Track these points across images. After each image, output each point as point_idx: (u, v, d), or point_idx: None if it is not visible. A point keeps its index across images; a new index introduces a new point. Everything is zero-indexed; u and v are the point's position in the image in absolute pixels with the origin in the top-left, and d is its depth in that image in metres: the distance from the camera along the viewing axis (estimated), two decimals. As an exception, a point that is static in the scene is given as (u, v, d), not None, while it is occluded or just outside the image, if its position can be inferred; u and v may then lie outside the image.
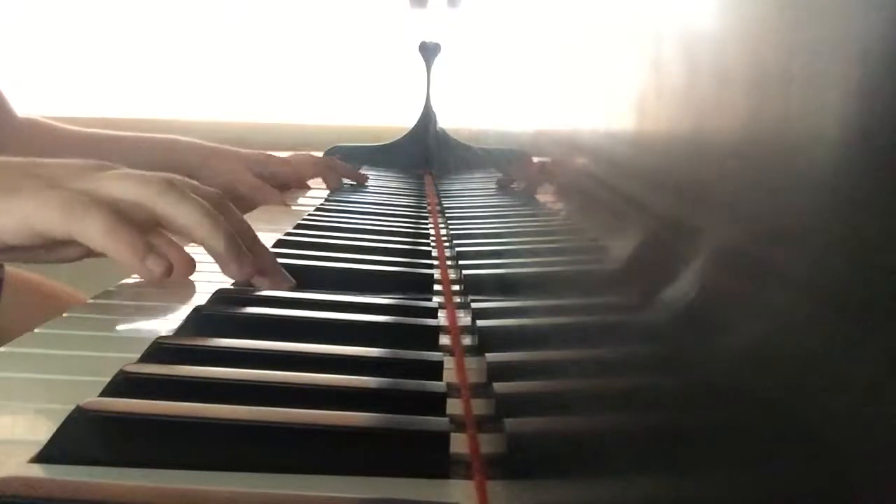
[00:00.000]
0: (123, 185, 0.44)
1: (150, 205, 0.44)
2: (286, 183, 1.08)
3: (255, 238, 0.51)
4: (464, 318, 0.47)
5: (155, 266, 0.43)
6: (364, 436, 0.29)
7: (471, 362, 0.40)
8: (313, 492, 0.27)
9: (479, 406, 0.34)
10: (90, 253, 0.46)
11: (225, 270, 0.47)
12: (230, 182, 1.00)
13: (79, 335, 0.42)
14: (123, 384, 0.32)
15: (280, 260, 0.58)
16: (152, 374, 0.33)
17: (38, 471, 0.27)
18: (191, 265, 0.49)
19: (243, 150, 1.04)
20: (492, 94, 0.63)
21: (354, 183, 1.12)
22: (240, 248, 0.46)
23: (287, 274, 0.52)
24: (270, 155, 1.07)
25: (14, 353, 0.39)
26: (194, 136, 1.04)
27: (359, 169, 1.18)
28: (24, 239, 0.42)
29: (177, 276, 0.48)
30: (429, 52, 1.31)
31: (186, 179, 0.49)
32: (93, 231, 0.41)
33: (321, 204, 0.94)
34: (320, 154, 1.21)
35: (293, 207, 0.96)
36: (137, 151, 1.00)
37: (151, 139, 1.02)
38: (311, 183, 1.13)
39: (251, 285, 0.49)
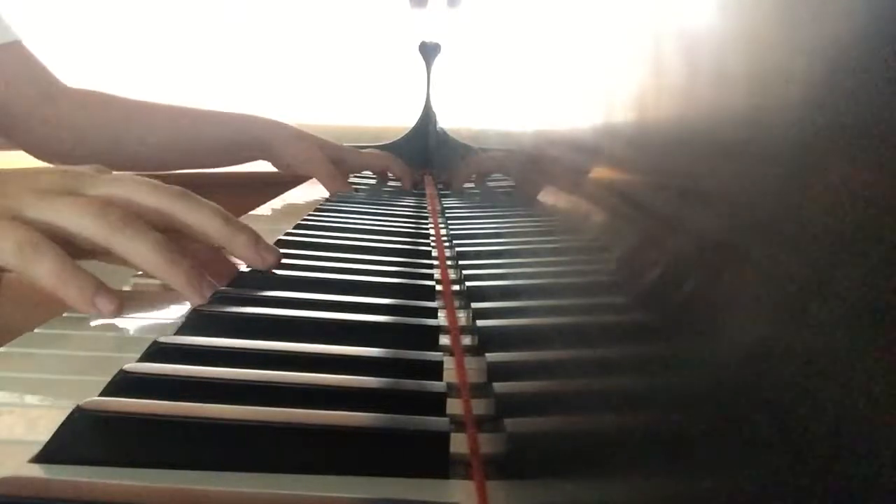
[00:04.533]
0: (77, 220, 0.45)
1: (102, 243, 0.45)
2: (355, 172, 1.14)
3: (230, 221, 0.51)
4: (464, 318, 0.47)
5: (104, 306, 0.44)
6: (364, 436, 0.29)
7: (471, 362, 0.40)
8: (313, 492, 0.27)
9: (479, 406, 0.34)
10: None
11: (187, 299, 0.47)
12: (307, 164, 1.03)
13: (79, 335, 0.42)
14: (123, 384, 0.32)
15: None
16: (152, 374, 0.33)
17: (38, 471, 0.27)
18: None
19: (321, 137, 1.06)
20: (492, 94, 0.63)
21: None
22: (198, 279, 0.47)
23: (272, 249, 0.52)
24: (343, 145, 1.10)
25: (14, 353, 0.39)
26: None
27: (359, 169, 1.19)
28: None
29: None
30: (429, 52, 1.31)
31: (150, 183, 0.49)
32: (42, 273, 0.43)
33: (321, 204, 0.94)
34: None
35: (290, 207, 0.96)
36: (209, 125, 1.01)
37: (226, 114, 1.03)
38: (310, 182, 1.14)
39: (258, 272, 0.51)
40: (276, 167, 1.08)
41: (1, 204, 0.44)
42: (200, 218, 0.48)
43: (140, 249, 0.45)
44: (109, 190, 0.48)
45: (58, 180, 0.47)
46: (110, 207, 0.46)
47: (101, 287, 0.44)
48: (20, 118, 0.92)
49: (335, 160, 1.06)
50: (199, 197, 0.49)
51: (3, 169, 0.48)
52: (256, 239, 0.50)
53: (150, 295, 0.52)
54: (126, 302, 0.48)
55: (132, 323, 0.45)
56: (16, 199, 0.45)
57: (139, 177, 0.50)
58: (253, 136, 1.02)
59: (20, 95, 0.92)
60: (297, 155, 1.03)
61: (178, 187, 0.49)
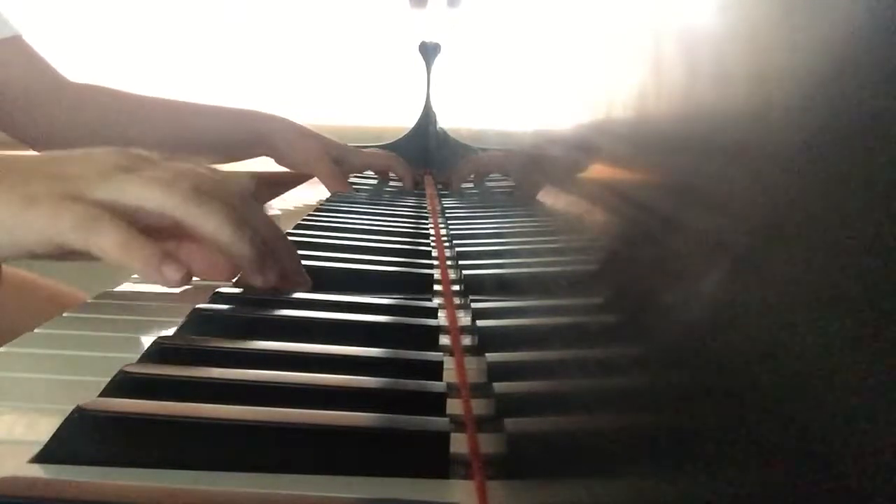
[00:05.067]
0: (145, 193, 0.43)
1: (173, 213, 0.44)
2: (357, 171, 1.13)
3: (280, 235, 0.50)
4: (464, 318, 0.47)
5: (172, 274, 0.42)
6: (364, 436, 0.29)
7: (471, 362, 0.40)
8: (313, 492, 0.27)
9: (479, 406, 0.34)
10: None
11: (250, 279, 0.47)
12: (309, 162, 1.03)
13: (79, 335, 0.42)
14: (123, 384, 0.32)
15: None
16: (152, 374, 0.33)
17: (38, 471, 0.27)
18: (222, 269, 0.47)
19: (324, 136, 1.06)
20: (492, 93, 0.63)
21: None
22: (264, 257, 0.46)
23: (306, 275, 0.51)
24: (346, 145, 1.10)
25: (14, 353, 0.39)
26: None
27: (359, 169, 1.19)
28: (46, 249, 0.43)
29: (209, 277, 0.47)
30: (429, 52, 1.31)
31: (214, 173, 0.48)
32: (107, 246, 0.41)
33: (321, 204, 0.94)
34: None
35: (291, 207, 0.96)
36: (214, 121, 1.01)
37: (231, 110, 1.03)
38: (311, 182, 1.14)
39: (275, 289, 0.48)
40: (278, 164, 1.08)
41: (61, 185, 0.43)
42: (209, 222, 0.45)
43: (211, 219, 0.44)
44: (176, 171, 0.46)
45: (118, 159, 0.46)
46: (180, 178, 0.44)
47: (167, 255, 0.42)
48: (23, 113, 0.92)
49: (337, 159, 1.06)
50: (212, 199, 0.45)
51: (60, 153, 0.47)
52: (262, 256, 0.47)
53: (150, 295, 0.52)
54: (126, 302, 0.47)
55: (132, 323, 0.45)
56: (76, 180, 0.43)
57: (202, 166, 0.49)
58: (257, 133, 1.02)
59: (23, 90, 0.91)
60: (300, 153, 1.03)
61: (195, 182, 0.46)
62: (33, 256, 0.43)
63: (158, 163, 0.47)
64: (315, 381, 0.33)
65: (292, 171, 1.08)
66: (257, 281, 0.46)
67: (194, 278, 0.45)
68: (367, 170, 1.17)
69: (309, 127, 1.06)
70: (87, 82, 0.98)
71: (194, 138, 1.01)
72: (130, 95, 0.99)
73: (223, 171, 0.49)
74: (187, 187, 0.44)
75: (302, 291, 0.50)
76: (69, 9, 1.60)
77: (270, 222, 0.49)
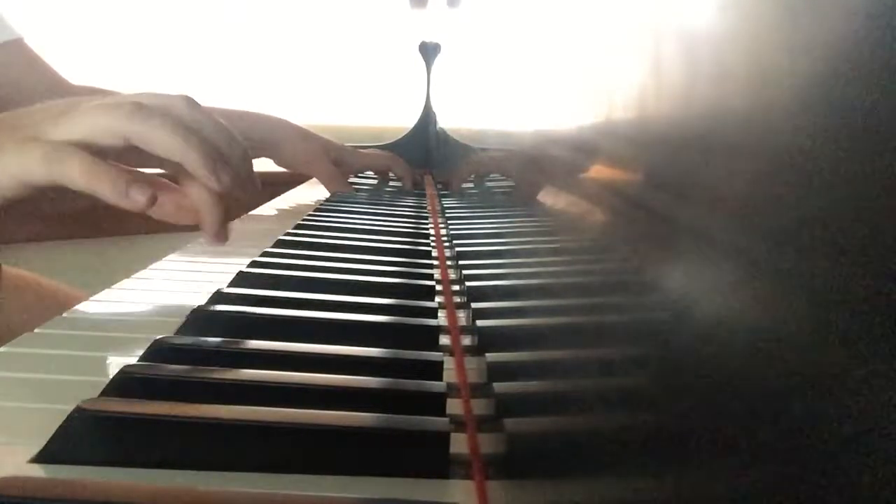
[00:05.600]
0: (93, 119, 0.45)
1: (121, 132, 0.45)
2: (356, 172, 1.15)
3: (230, 139, 0.50)
4: (464, 318, 0.47)
5: (138, 195, 0.43)
6: (364, 436, 0.29)
7: (471, 362, 0.40)
8: (313, 492, 0.27)
9: (479, 406, 0.34)
10: (93, 200, 0.46)
11: (206, 183, 0.46)
12: (309, 163, 1.03)
13: (79, 335, 0.42)
14: (123, 384, 0.32)
15: (278, 260, 0.58)
16: (152, 374, 0.33)
17: (38, 471, 0.27)
18: (187, 211, 0.48)
19: (324, 137, 1.07)
20: (492, 93, 0.63)
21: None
22: (215, 161, 0.46)
23: (257, 180, 0.51)
24: (346, 146, 1.11)
25: (14, 353, 0.39)
26: None
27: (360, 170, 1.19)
28: (18, 191, 0.44)
29: (176, 219, 0.48)
30: (429, 52, 1.31)
31: (154, 92, 0.49)
32: (74, 174, 0.43)
33: (321, 204, 0.94)
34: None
35: (287, 207, 0.96)
36: None
37: (225, 110, 1.03)
38: (310, 182, 1.14)
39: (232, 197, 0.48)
40: (277, 164, 1.08)
41: (22, 131, 0.45)
42: (156, 132, 0.45)
43: (157, 132, 0.45)
44: (112, 99, 0.47)
45: (69, 104, 0.48)
46: (122, 101, 0.46)
47: (133, 179, 0.43)
48: None
49: (338, 161, 1.06)
50: (155, 112, 0.46)
51: (19, 110, 0.49)
52: (214, 160, 0.47)
53: (150, 295, 0.52)
54: (126, 302, 0.47)
55: (132, 323, 0.45)
56: (35, 125, 0.46)
57: (134, 96, 0.49)
58: (257, 134, 1.03)
59: (26, 93, 0.91)
60: (300, 155, 1.03)
61: (136, 100, 0.47)
62: (5, 201, 0.45)
63: (105, 94, 0.49)
64: (315, 381, 0.33)
65: (292, 171, 1.08)
66: (212, 183, 0.46)
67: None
68: (367, 170, 1.17)
69: (309, 127, 1.06)
70: (89, 84, 0.98)
71: None
72: None
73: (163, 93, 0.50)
74: (129, 107, 0.45)
75: (253, 195, 0.50)
76: (71, 10, 1.60)
77: (221, 128, 0.49)
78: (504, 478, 0.29)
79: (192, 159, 0.45)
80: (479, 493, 0.27)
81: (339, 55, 1.64)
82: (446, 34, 1.27)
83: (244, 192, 0.49)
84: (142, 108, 0.45)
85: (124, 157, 0.46)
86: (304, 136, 1.04)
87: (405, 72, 1.40)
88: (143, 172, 0.47)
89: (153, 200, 0.43)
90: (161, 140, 0.44)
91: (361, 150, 1.14)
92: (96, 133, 0.45)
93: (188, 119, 0.47)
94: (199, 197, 0.47)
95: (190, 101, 0.48)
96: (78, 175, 0.43)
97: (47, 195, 0.45)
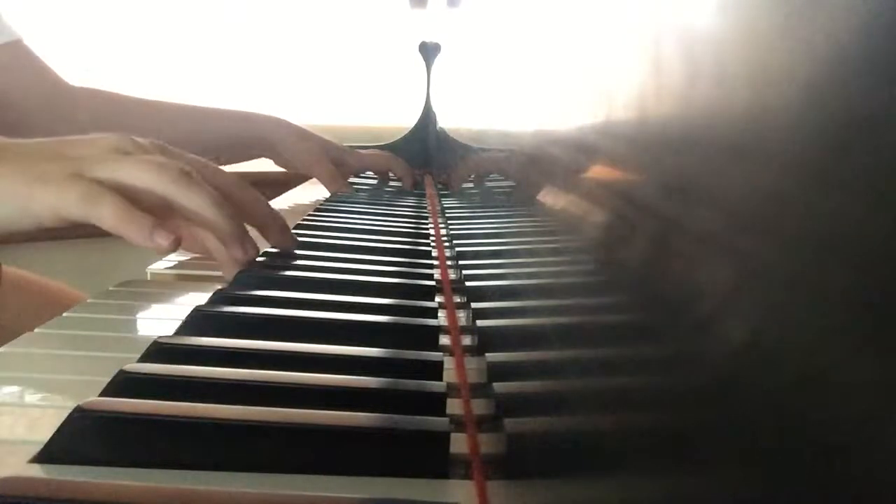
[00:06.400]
0: (139, 174, 0.49)
1: (163, 192, 0.49)
2: (356, 172, 1.16)
3: (266, 210, 0.58)
4: (464, 318, 0.47)
5: (162, 240, 0.47)
6: (364, 436, 0.29)
7: (471, 362, 0.40)
8: (313, 492, 0.27)
9: (479, 406, 0.34)
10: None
11: (231, 252, 0.52)
12: (308, 163, 1.03)
13: (79, 335, 0.42)
14: (123, 384, 0.32)
15: (278, 260, 0.58)
16: (152, 374, 0.33)
17: (38, 471, 0.27)
18: (202, 243, 0.56)
19: (323, 137, 1.07)
20: (492, 93, 0.63)
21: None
22: (244, 236, 0.52)
23: (293, 237, 0.61)
24: (345, 146, 1.12)
25: (14, 353, 0.39)
26: None
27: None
28: (53, 222, 0.48)
29: (192, 249, 0.57)
30: (429, 52, 1.31)
31: (207, 164, 0.56)
32: (106, 217, 0.47)
33: (321, 204, 0.94)
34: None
35: (286, 207, 0.96)
36: (213, 123, 1.02)
37: (230, 112, 1.05)
38: (310, 182, 1.14)
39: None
40: (277, 164, 1.08)
41: (68, 165, 0.49)
42: (193, 199, 0.51)
43: (195, 197, 0.50)
44: (167, 156, 0.53)
45: (118, 144, 0.52)
46: (171, 163, 0.51)
47: (158, 224, 0.48)
48: (25, 117, 0.92)
49: (337, 161, 1.06)
50: (197, 180, 0.51)
51: (69, 138, 0.53)
52: (242, 232, 0.54)
53: (150, 295, 0.52)
54: (126, 302, 0.48)
55: (132, 323, 0.45)
56: (81, 161, 0.49)
57: (191, 154, 0.56)
58: (256, 134, 1.03)
59: (25, 94, 0.92)
60: (299, 154, 1.03)
61: (183, 166, 0.52)
62: (40, 228, 0.49)
63: (153, 148, 0.54)
64: (315, 381, 0.33)
65: (291, 171, 1.08)
66: (238, 253, 0.52)
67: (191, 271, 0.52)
68: (366, 171, 1.17)
69: (309, 127, 1.06)
70: (88, 85, 0.98)
71: (193, 140, 1.01)
72: (129, 98, 0.99)
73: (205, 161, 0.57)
74: (175, 170, 0.50)
75: (284, 246, 0.59)
76: (71, 10, 1.60)
77: (257, 198, 0.57)
78: (504, 478, 0.29)
79: (221, 229, 0.51)
80: (479, 493, 0.27)
81: (339, 55, 1.64)
82: (446, 34, 1.27)
83: (276, 244, 0.59)
84: (185, 174, 0.50)
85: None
86: (304, 136, 1.04)
87: (405, 72, 1.40)
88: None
89: (177, 244, 0.48)
90: (196, 207, 0.50)
91: (361, 151, 1.14)
92: (138, 185, 0.49)
93: (229, 191, 0.54)
94: (216, 252, 0.54)
95: (234, 177, 0.56)
96: (110, 218, 0.47)
97: (79, 227, 0.49)
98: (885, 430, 0.09)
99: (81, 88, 0.97)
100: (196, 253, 0.58)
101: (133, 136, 0.53)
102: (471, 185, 0.82)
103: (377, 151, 1.20)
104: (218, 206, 0.50)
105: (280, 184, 1.12)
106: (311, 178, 1.12)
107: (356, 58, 1.64)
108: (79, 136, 0.53)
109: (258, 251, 0.56)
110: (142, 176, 0.49)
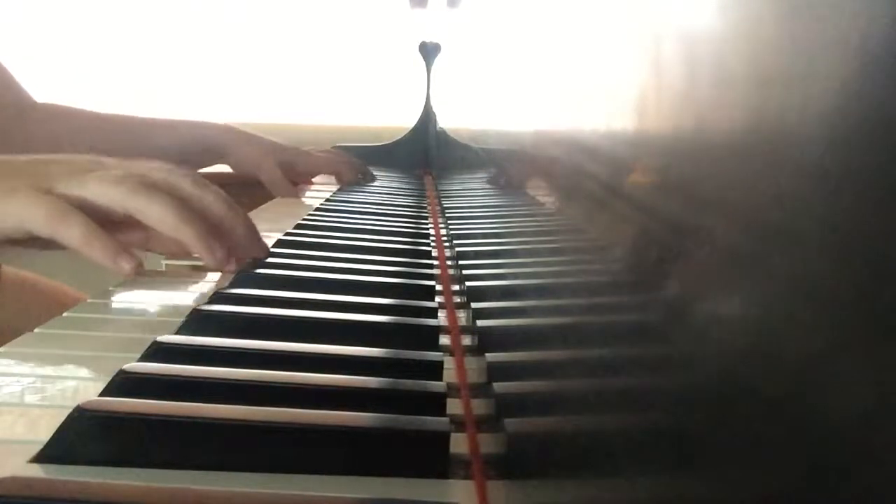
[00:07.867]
0: (100, 189, 0.50)
1: (122, 205, 0.50)
2: (308, 175, 1.14)
3: (231, 211, 0.55)
4: (464, 318, 0.47)
5: (125, 263, 0.49)
6: (364, 436, 0.29)
7: (471, 362, 0.40)
8: (313, 492, 0.27)
9: (479, 406, 0.34)
10: None
11: (202, 258, 0.52)
12: (254, 167, 1.04)
13: (79, 335, 0.42)
14: (123, 384, 0.32)
15: (278, 260, 0.58)
16: (152, 374, 0.33)
17: (38, 471, 0.27)
18: (175, 248, 0.55)
19: (274, 140, 1.07)
20: (492, 93, 0.63)
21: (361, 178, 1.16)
22: (209, 238, 0.52)
23: (263, 243, 0.58)
24: (299, 148, 1.11)
25: (14, 353, 0.39)
26: None
27: None
28: (18, 235, 0.49)
29: (178, 256, 0.56)
30: (429, 52, 1.31)
31: (171, 170, 0.55)
32: (72, 237, 0.48)
33: (321, 204, 0.94)
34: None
35: (289, 207, 0.96)
36: (167, 134, 1.03)
37: (179, 122, 1.05)
38: (315, 180, 1.14)
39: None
40: (233, 170, 1.08)
41: (36, 181, 0.50)
42: (153, 211, 0.51)
43: (154, 209, 0.50)
44: (129, 170, 0.53)
45: (84, 163, 0.53)
46: (128, 177, 0.51)
47: (121, 248, 0.49)
48: None
49: (286, 164, 1.06)
50: (155, 191, 0.52)
51: (42, 156, 0.54)
52: (207, 237, 0.53)
53: (150, 295, 0.52)
54: (126, 302, 0.48)
55: (132, 323, 0.45)
56: (49, 177, 0.50)
57: (155, 162, 0.56)
58: (207, 142, 1.04)
59: None
60: (245, 159, 1.04)
61: (141, 176, 0.52)
62: (6, 240, 0.50)
63: (118, 165, 0.54)
64: (315, 381, 0.33)
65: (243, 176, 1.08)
66: (208, 260, 0.52)
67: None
68: (318, 174, 1.16)
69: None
70: (50, 100, 0.99)
71: (149, 152, 1.01)
72: (88, 113, 1.00)
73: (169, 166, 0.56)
74: (134, 182, 0.51)
75: (259, 256, 0.57)
76: (54, 15, 1.60)
77: (222, 200, 0.55)
78: (504, 478, 0.29)
79: (187, 236, 0.51)
80: (479, 493, 0.27)
81: (339, 55, 1.64)
82: (446, 34, 1.27)
83: (249, 256, 0.56)
84: (144, 186, 0.51)
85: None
86: (249, 139, 1.05)
87: (405, 72, 1.40)
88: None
89: (138, 268, 0.50)
90: (158, 216, 0.50)
91: (311, 152, 1.13)
92: (101, 201, 0.50)
93: (189, 195, 0.53)
94: (197, 254, 0.53)
95: (196, 178, 0.55)
96: (76, 238, 0.48)
97: (43, 243, 0.50)
98: (886, 429, 0.09)
99: (44, 104, 0.98)
100: (181, 259, 0.58)
101: (91, 152, 0.55)
102: (471, 185, 0.82)
103: (327, 154, 1.19)
104: (176, 214, 0.50)
105: (300, 177, 1.12)
106: (327, 174, 1.12)
107: (356, 58, 1.64)
108: (48, 155, 0.54)
109: (260, 249, 0.56)
110: (104, 191, 0.50)
